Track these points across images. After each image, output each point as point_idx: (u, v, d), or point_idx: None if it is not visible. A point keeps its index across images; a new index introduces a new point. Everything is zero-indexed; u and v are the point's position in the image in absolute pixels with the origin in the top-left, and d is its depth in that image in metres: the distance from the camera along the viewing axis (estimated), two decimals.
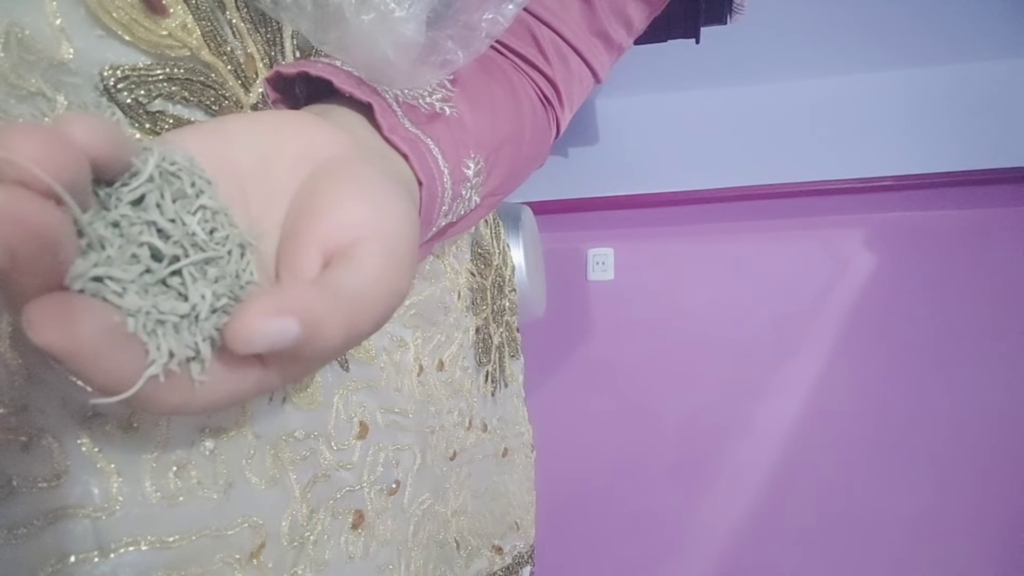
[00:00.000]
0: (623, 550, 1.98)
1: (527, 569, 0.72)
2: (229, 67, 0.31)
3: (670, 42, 1.65)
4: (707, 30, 1.46)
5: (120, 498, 0.23)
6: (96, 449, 0.23)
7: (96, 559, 0.22)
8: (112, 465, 0.23)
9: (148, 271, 0.18)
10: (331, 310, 0.20)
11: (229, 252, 0.21)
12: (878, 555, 1.81)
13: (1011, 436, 1.77)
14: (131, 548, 0.24)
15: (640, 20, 0.51)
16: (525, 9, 0.45)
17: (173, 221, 0.19)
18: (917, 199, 1.89)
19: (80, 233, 0.17)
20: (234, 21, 0.31)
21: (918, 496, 1.81)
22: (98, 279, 0.17)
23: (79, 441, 0.23)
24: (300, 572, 0.34)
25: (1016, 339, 1.80)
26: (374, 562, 0.42)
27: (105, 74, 0.25)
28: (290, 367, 0.22)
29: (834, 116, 1.95)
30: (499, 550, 0.68)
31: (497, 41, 0.45)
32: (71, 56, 0.23)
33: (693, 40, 1.64)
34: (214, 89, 0.30)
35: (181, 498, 0.26)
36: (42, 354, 0.15)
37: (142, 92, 0.26)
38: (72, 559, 0.22)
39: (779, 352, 1.95)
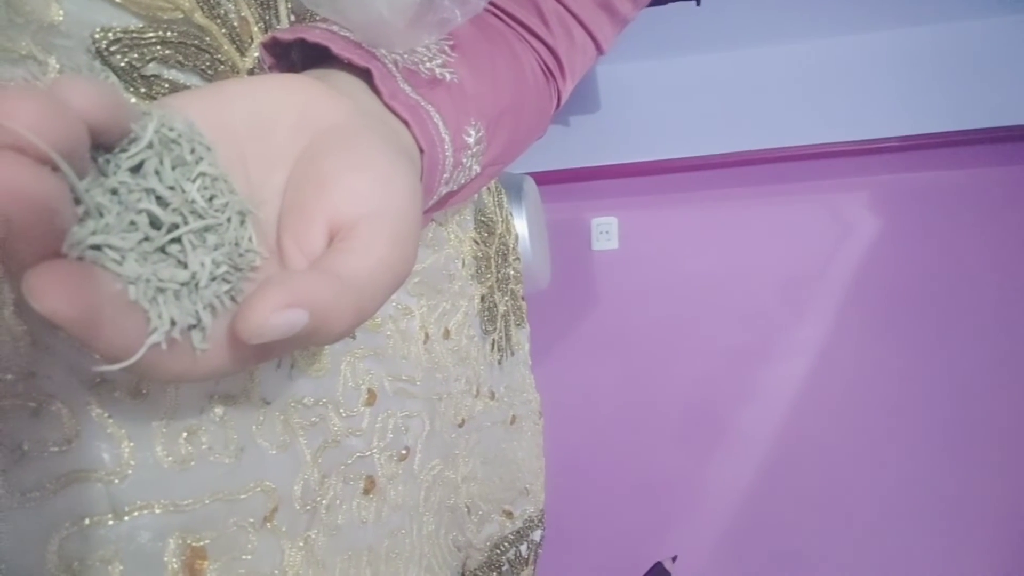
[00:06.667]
0: (631, 514, 2.00)
1: (538, 532, 0.73)
2: (223, 31, 0.30)
3: (670, 5, 1.62)
4: None
5: (132, 462, 0.24)
6: (106, 415, 0.23)
7: (111, 522, 0.23)
8: (122, 430, 0.24)
9: (147, 239, 0.18)
10: (340, 298, 0.20)
11: (228, 219, 0.21)
12: (884, 517, 1.83)
13: (1016, 401, 1.77)
14: (145, 511, 0.24)
15: None
16: None
17: (172, 188, 0.19)
18: (919, 160, 1.87)
19: (77, 200, 0.16)
20: None
21: (923, 458, 1.82)
22: (96, 247, 0.17)
23: (88, 407, 0.23)
24: (313, 536, 0.35)
25: (1020, 299, 1.79)
26: (387, 526, 0.43)
27: (96, 36, 0.24)
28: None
29: (838, 78, 1.92)
30: (509, 514, 0.69)
31: (500, 9, 0.44)
32: (61, 18, 0.23)
33: (694, 3, 1.61)
34: (209, 53, 0.29)
35: (193, 463, 0.26)
36: (45, 321, 0.15)
37: (135, 56, 0.26)
38: (87, 521, 0.22)
39: (784, 317, 1.94)
